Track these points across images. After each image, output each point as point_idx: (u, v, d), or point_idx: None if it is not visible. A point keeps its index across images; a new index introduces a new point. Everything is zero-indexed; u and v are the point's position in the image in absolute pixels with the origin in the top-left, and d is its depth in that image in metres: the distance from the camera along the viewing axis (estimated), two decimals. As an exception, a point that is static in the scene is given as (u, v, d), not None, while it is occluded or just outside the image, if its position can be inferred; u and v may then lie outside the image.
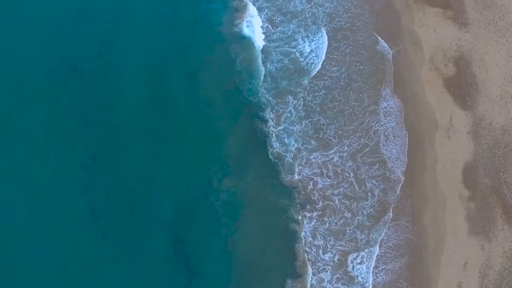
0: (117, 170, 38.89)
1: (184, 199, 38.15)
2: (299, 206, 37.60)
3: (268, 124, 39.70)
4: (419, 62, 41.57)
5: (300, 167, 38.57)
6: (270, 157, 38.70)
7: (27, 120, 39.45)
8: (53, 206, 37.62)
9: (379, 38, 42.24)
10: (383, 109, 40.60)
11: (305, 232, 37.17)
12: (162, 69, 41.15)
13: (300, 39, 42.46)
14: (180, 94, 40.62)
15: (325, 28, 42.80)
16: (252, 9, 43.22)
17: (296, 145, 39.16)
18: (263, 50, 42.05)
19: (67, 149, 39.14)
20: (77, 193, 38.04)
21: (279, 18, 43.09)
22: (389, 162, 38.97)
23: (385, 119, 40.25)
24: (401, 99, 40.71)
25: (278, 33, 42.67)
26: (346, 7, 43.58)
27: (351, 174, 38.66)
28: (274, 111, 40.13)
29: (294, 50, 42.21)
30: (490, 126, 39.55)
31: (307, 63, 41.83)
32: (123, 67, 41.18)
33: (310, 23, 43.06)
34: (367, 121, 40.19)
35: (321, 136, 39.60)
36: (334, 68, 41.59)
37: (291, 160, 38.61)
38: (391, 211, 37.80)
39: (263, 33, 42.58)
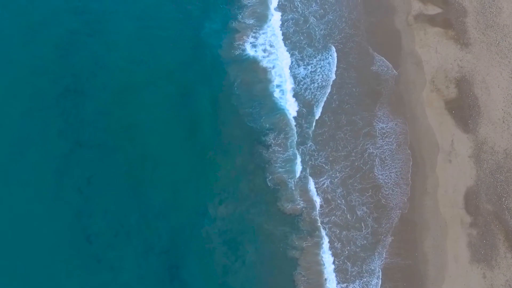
0: (112, 194, 38.05)
1: (180, 224, 37.35)
2: (299, 233, 36.97)
3: (270, 150, 39.05)
4: (420, 83, 40.84)
5: (300, 195, 37.94)
6: (269, 184, 37.99)
7: (18, 142, 38.58)
8: (46, 231, 36.76)
9: (376, 58, 41.54)
10: (379, 130, 39.90)
11: (305, 259, 36.55)
12: (157, 91, 40.28)
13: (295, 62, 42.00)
14: (176, 117, 39.80)
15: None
16: (249, 32, 42.52)
17: (298, 173, 38.42)
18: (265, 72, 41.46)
19: (60, 172, 38.28)
20: (71, 217, 37.21)
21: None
22: (386, 188, 38.38)
23: (383, 141, 39.55)
24: (401, 121, 40.01)
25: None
26: (341, 27, 42.78)
27: (343, 201, 38.03)
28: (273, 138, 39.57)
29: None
30: (492, 150, 38.85)
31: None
32: (117, 88, 40.30)
33: (306, 45, 42.43)
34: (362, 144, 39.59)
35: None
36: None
37: (292, 187, 37.89)
38: (390, 237, 37.14)
39: (263, 57, 41.88)
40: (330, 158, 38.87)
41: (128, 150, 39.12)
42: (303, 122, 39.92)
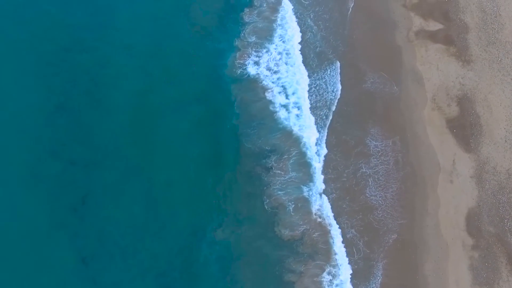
0: (107, 214, 37.31)
1: (177, 246, 36.68)
2: (297, 257, 36.34)
3: (270, 174, 38.31)
4: (421, 101, 40.20)
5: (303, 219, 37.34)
6: (267, 208, 37.29)
7: (10, 161, 37.80)
8: (40, 253, 36.04)
9: (375, 74, 40.91)
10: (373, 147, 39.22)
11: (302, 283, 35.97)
12: (151, 110, 39.46)
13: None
14: (173, 136, 39.01)
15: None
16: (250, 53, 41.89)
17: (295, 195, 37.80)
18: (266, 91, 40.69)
19: (54, 192, 37.50)
20: (65, 238, 36.49)
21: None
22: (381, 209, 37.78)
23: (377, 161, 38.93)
24: (402, 140, 39.38)
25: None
26: (339, 43, 41.95)
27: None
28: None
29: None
30: (495, 170, 38.27)
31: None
32: (110, 106, 39.47)
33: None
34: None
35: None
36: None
37: (291, 212, 37.26)
38: (388, 258, 36.55)
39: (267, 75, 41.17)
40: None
41: (123, 170, 38.34)
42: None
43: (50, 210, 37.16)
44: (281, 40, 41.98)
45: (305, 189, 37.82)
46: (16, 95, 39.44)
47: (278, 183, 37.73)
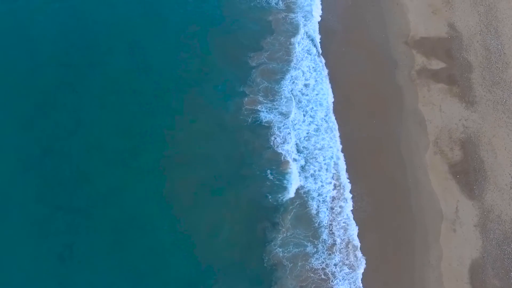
0: (97, 263, 35.52)
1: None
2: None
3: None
4: (423, 144, 38.70)
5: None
6: (265, 266, 35.59)
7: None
8: (26, 304, 34.62)
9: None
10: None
11: None
12: (145, 155, 38.00)
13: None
14: (166, 183, 37.40)
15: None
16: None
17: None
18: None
19: (40, 239, 35.75)
20: (53, 289, 35.08)
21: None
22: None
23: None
24: (403, 186, 37.83)
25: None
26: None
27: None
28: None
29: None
30: (499, 219, 36.76)
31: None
32: (100, 149, 37.94)
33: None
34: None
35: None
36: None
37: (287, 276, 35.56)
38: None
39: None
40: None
41: (112, 216, 36.61)
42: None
43: (35, 259, 35.42)
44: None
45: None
46: (0, 137, 37.96)
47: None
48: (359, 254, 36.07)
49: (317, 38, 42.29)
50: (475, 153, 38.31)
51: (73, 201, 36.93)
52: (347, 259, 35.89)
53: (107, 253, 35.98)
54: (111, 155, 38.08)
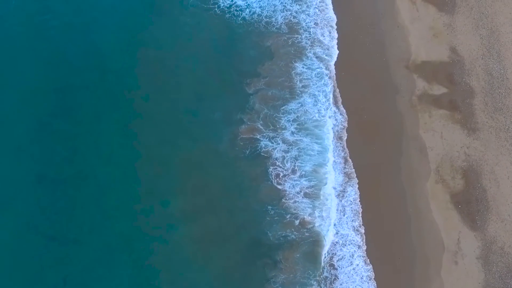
0: (90, 295, 35.20)
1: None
2: None
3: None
4: (425, 173, 37.81)
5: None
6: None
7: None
8: None
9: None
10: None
11: None
12: (141, 182, 37.25)
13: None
14: (161, 212, 36.62)
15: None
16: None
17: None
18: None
19: (33, 271, 35.09)
20: (45, 324, 34.41)
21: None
22: None
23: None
24: (403, 215, 36.99)
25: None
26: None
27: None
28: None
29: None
30: (502, 251, 35.93)
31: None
32: (98, 178, 37.20)
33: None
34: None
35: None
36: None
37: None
38: None
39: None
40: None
41: (108, 247, 35.99)
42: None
43: (28, 292, 35.04)
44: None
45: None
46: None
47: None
48: (358, 286, 35.45)
49: (316, 62, 41.49)
50: (477, 182, 37.46)
51: (68, 231, 36.17)
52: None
53: (102, 285, 35.39)
54: (107, 183, 37.29)
